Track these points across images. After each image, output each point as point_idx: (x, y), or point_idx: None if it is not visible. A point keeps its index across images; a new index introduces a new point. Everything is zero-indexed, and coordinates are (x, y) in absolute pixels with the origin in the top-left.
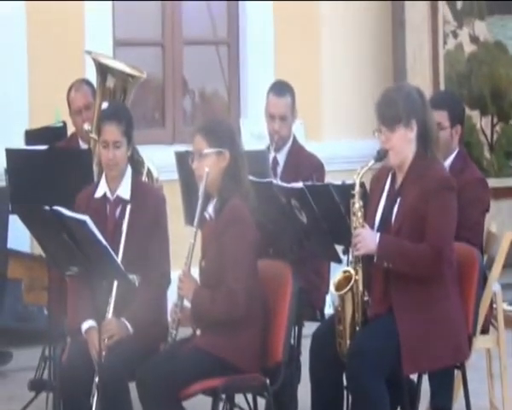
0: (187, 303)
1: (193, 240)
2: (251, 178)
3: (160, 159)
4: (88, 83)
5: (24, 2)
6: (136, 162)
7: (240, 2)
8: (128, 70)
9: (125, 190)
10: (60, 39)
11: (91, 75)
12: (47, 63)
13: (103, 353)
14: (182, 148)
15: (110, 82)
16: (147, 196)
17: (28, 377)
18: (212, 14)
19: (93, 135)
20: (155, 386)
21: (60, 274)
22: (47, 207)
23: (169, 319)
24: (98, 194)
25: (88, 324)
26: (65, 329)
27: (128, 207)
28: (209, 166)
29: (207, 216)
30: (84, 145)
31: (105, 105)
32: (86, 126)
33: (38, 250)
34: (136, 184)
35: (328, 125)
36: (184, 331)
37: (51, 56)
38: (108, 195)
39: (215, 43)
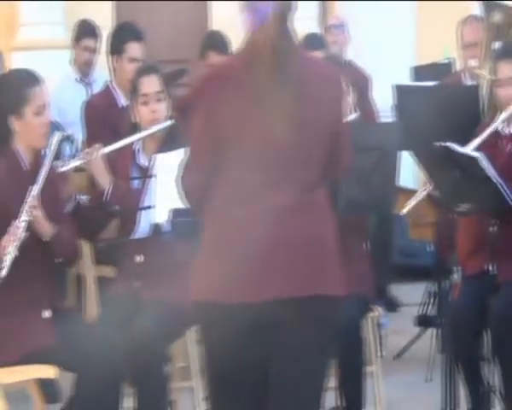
0: None
1: None
2: None
3: None
4: (477, 18)
5: None
6: None
7: None
8: None
9: None
10: None
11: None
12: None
13: None
14: None
15: (496, 17)
16: None
17: (413, 312)
18: None
19: (479, 71)
20: None
21: (448, 211)
22: (439, 144)
23: None
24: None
25: None
26: (451, 266)
27: None
28: None
29: None
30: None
31: (497, 44)
32: (473, 63)
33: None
34: None
35: None
36: None
37: None
38: (501, 131)
39: None
